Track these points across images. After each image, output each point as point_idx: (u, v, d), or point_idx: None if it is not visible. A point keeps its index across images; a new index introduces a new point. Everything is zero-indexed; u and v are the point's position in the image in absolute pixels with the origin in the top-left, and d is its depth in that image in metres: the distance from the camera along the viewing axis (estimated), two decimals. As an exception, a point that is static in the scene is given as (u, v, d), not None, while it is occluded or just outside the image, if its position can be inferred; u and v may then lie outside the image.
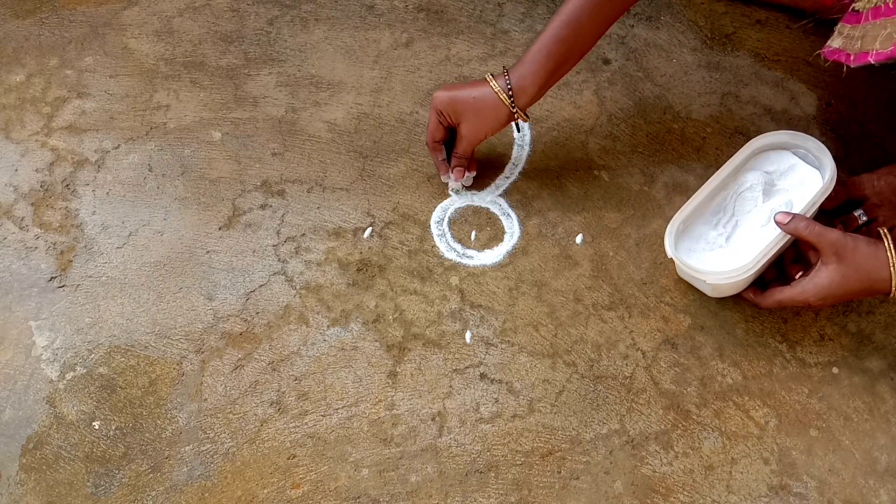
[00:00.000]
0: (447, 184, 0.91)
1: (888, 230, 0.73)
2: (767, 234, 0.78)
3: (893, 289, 0.71)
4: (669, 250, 0.79)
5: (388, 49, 1.02)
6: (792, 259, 0.80)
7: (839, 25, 0.74)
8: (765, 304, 0.79)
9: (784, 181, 0.83)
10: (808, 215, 0.77)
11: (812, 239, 0.73)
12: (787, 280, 0.79)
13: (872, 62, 0.70)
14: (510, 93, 0.81)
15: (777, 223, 0.76)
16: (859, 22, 0.71)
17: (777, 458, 0.77)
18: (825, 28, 0.78)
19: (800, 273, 0.78)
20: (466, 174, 0.88)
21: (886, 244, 0.71)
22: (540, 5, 1.06)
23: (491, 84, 0.81)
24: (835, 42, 0.75)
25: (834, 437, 0.78)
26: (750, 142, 0.84)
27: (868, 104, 0.97)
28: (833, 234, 0.72)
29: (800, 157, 0.83)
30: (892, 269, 0.71)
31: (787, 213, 0.75)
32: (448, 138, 0.87)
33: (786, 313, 0.84)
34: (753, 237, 0.80)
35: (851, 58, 0.73)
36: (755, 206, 0.82)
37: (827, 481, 0.76)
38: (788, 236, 0.76)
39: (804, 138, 0.82)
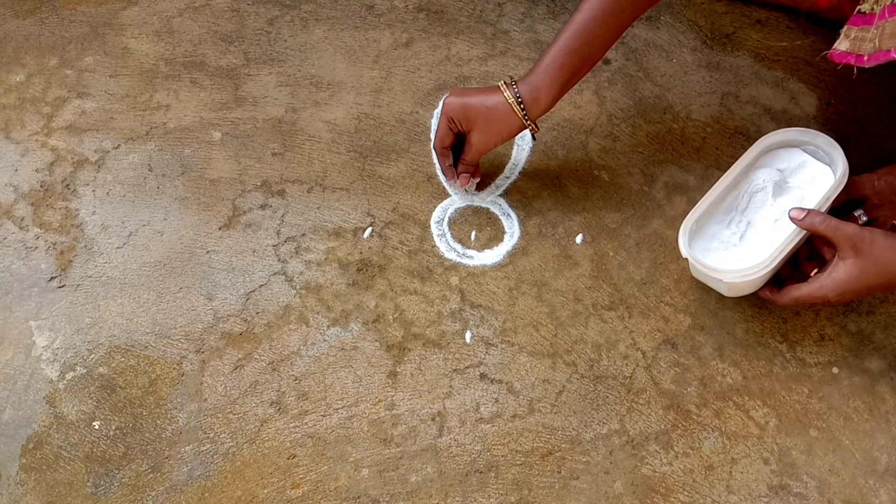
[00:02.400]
0: (449, 188, 0.91)
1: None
2: (781, 231, 0.78)
3: None
4: (684, 250, 0.78)
5: (388, 49, 1.02)
6: (806, 256, 0.80)
7: (845, 28, 0.73)
8: (782, 301, 0.77)
9: (795, 178, 0.82)
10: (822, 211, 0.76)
11: (828, 233, 0.72)
12: (803, 277, 0.78)
13: None
14: (522, 105, 0.80)
15: (792, 219, 0.75)
16: (869, 24, 0.70)
17: (777, 458, 0.77)
18: (826, 28, 0.78)
19: (815, 270, 0.77)
20: (471, 180, 0.88)
21: None
22: (540, 5, 1.06)
23: (504, 94, 0.80)
24: (841, 45, 0.74)
25: (834, 437, 0.78)
26: (759, 140, 0.84)
27: (868, 104, 0.97)
28: (850, 228, 0.71)
29: (810, 154, 0.82)
30: None
31: (802, 209, 0.74)
32: (456, 143, 0.86)
33: (786, 313, 0.84)
34: (767, 235, 0.79)
35: (865, 58, 0.72)
36: (767, 203, 0.81)
37: (827, 481, 0.76)
38: (803, 232, 0.75)
39: (814, 135, 0.82)
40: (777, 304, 0.79)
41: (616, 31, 0.81)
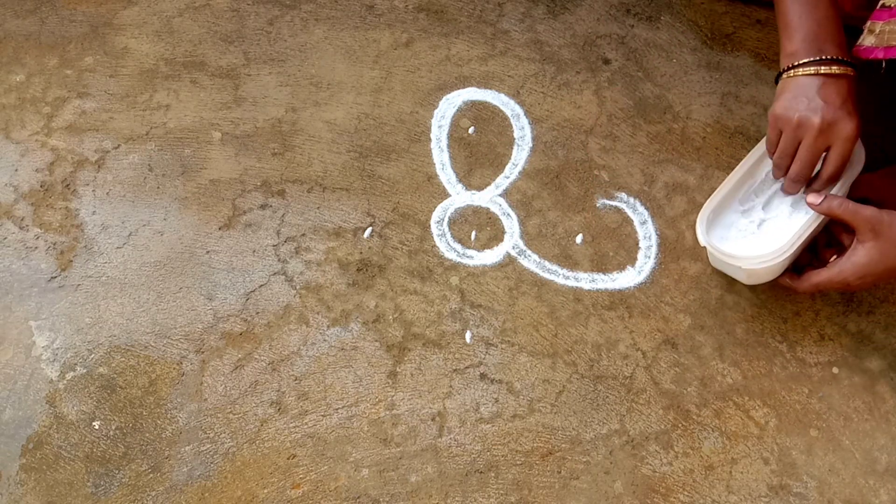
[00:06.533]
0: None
1: None
2: (799, 218, 0.77)
3: None
4: (702, 238, 0.78)
5: (388, 49, 1.02)
6: (825, 243, 0.79)
7: (869, 24, 0.72)
8: (802, 287, 0.77)
9: None
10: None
11: (847, 217, 0.71)
12: (822, 265, 0.77)
13: None
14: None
15: (809, 205, 0.74)
16: (893, 16, 0.70)
17: (777, 458, 0.77)
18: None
19: (834, 256, 0.76)
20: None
21: None
22: (540, 5, 1.06)
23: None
24: (866, 40, 0.73)
25: (834, 437, 0.78)
26: None
27: (868, 104, 0.97)
28: (868, 211, 0.70)
29: None
30: None
31: (819, 194, 0.74)
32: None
33: (786, 313, 0.84)
34: (785, 223, 0.79)
35: (881, 52, 0.71)
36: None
37: (827, 481, 0.76)
38: (821, 219, 0.75)
39: None
40: (797, 290, 0.78)
41: None
